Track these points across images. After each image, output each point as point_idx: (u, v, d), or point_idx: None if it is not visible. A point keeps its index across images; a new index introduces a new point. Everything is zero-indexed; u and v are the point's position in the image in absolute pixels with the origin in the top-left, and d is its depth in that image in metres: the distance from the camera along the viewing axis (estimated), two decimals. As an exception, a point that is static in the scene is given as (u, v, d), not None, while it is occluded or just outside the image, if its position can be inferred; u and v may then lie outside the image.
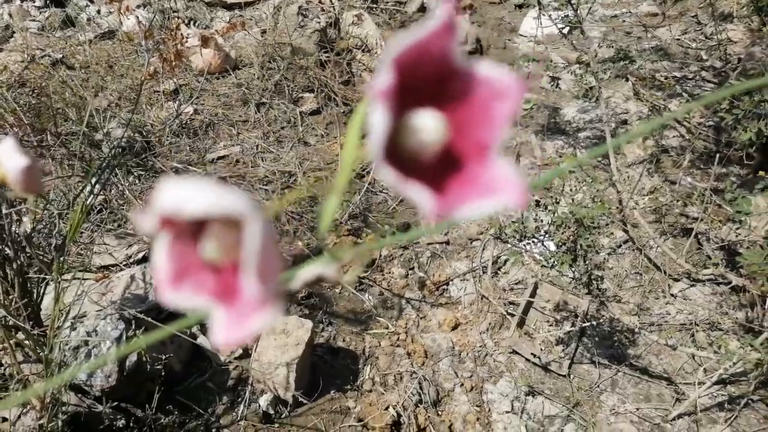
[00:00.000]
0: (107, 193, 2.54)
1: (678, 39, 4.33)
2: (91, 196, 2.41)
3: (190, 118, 3.13)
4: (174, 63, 2.27)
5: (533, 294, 2.40)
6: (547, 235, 1.78)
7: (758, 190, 2.71)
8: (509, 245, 2.11)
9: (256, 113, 3.27)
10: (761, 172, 1.98)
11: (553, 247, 1.88)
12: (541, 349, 2.24)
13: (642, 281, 2.55)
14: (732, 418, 2.05)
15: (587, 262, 1.71)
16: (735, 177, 3.00)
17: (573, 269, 1.75)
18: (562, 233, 1.69)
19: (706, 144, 3.25)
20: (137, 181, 2.70)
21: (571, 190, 1.74)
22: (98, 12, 4.09)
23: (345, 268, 2.48)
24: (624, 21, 4.83)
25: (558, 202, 1.73)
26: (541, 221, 1.79)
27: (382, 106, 0.26)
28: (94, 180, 2.41)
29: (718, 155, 2.69)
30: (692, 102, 3.54)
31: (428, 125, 0.29)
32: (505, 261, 2.39)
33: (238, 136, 3.10)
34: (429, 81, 0.30)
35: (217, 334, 0.26)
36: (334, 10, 4.05)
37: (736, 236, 2.43)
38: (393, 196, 2.98)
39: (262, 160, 2.99)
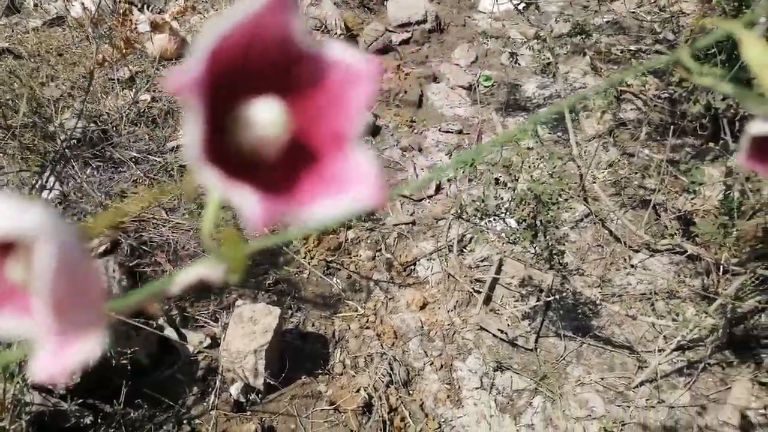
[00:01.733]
0: (64, 186, 2.47)
1: (633, 12, 4.38)
2: (47, 190, 2.34)
3: (148, 106, 3.05)
4: (125, 51, 2.20)
5: (498, 271, 2.44)
6: (507, 213, 1.81)
7: (708, 161, 2.79)
8: (471, 224, 2.13)
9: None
10: (711, 143, 2.04)
11: (514, 224, 1.92)
12: (508, 325, 2.29)
13: (603, 253, 2.62)
14: (691, 383, 2.14)
15: (548, 238, 1.74)
16: (690, 148, 3.07)
17: (534, 245, 1.78)
18: (523, 210, 1.72)
19: (661, 116, 3.32)
20: (95, 173, 2.64)
21: (530, 166, 1.77)
22: (35, 6, 3.93)
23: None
24: (581, -5, 4.86)
25: (517, 179, 1.76)
26: (502, 198, 1.82)
27: (193, 101, 0.23)
28: (48, 174, 2.35)
29: (672, 127, 2.76)
30: (645, 75, 3.61)
31: (264, 117, 0.26)
32: (471, 239, 2.43)
33: (197, 123, 3.04)
34: (269, 67, 0.26)
35: (35, 368, 0.22)
36: (292, -10, 3.98)
37: (692, 206, 2.51)
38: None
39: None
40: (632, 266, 2.53)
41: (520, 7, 2.99)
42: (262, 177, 0.26)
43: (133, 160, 2.66)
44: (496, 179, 1.78)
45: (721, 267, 1.98)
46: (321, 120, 0.28)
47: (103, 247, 2.26)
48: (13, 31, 3.56)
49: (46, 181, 2.31)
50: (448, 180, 2.94)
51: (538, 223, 1.70)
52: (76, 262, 0.22)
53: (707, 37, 0.44)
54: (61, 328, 0.22)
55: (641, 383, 2.14)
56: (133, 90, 3.05)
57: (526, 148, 1.78)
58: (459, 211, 1.94)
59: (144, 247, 2.34)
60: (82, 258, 0.22)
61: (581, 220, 2.77)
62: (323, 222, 0.25)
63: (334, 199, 0.26)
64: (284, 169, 0.27)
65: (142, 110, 3.00)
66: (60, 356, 0.22)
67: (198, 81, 0.23)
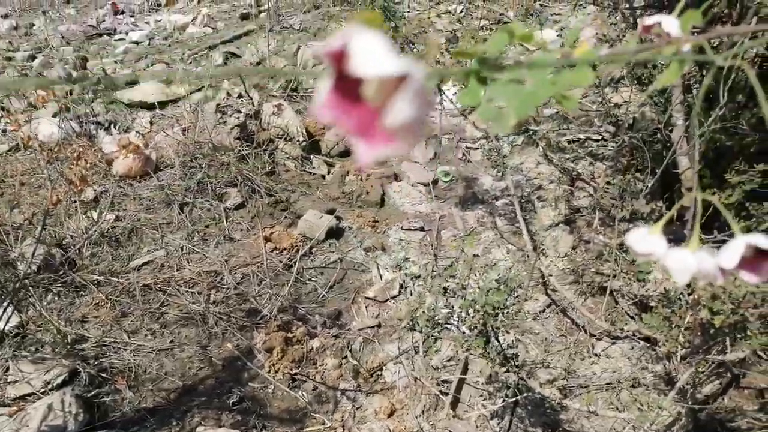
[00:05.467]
0: (23, 315, 2.46)
1: (579, 102, 4.66)
2: (3, 322, 2.32)
3: (112, 226, 3.10)
4: (80, 188, 2.27)
5: (464, 370, 2.43)
6: (459, 321, 1.84)
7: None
8: (424, 334, 2.16)
9: (179, 214, 3.28)
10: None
11: (467, 331, 1.95)
12: (477, 426, 2.26)
13: (567, 343, 2.64)
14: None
15: (501, 343, 1.77)
16: (652, 217, 3.19)
17: (487, 351, 1.81)
18: (473, 317, 1.76)
19: (613, 201, 3.46)
20: (56, 298, 2.63)
21: (476, 275, 1.83)
22: (3, 132, 4.05)
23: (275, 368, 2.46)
24: (530, 89, 5.16)
25: (465, 288, 1.81)
26: (452, 307, 1.86)
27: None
28: (6, 304, 2.34)
29: (622, 211, 2.88)
30: (597, 163, 3.79)
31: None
32: (435, 339, 2.44)
33: (162, 240, 3.09)
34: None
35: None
36: (253, 104, 4.17)
37: (646, 291, 2.57)
38: (323, 284, 3.01)
39: (188, 262, 2.97)
40: (596, 355, 2.55)
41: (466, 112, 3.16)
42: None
43: (95, 282, 2.67)
44: (445, 288, 1.82)
45: (678, 353, 2.01)
46: None
47: (60, 378, 2.22)
48: (-21, 158, 3.64)
49: (3, 312, 2.30)
50: (413, 279, 2.99)
51: (489, 329, 1.73)
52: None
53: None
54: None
55: (615, 479, 2.10)
56: (98, 210, 3.10)
57: (472, 255, 1.84)
58: (411, 323, 1.97)
59: (103, 375, 2.31)
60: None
61: (543, 310, 2.81)
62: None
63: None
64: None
65: (105, 230, 3.04)
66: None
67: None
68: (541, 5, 6.66)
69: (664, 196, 2.89)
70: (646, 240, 0.53)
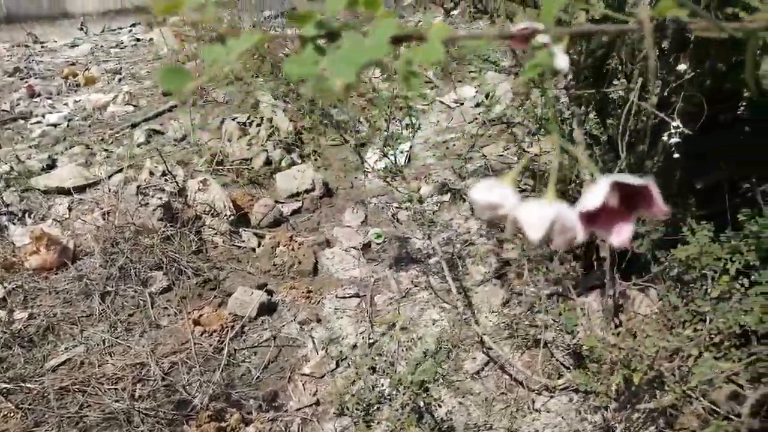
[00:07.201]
0: None
1: (501, 155, 4.83)
2: None
3: (24, 325, 2.90)
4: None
5: (407, 443, 2.36)
6: (389, 400, 1.79)
7: (584, 289, 2.96)
8: (353, 420, 2.09)
9: (100, 304, 3.12)
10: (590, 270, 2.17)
11: (400, 408, 1.90)
12: (424, 503, 2.18)
13: (508, 401, 2.62)
14: None
15: (435, 416, 1.73)
16: (570, 279, 3.26)
17: (421, 427, 1.77)
18: (404, 394, 1.72)
19: (541, 251, 3.54)
20: (-39, 414, 2.41)
21: (404, 349, 1.80)
22: None
23: None
24: (454, 144, 5.32)
25: (393, 365, 1.77)
26: (382, 385, 1.81)
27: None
28: None
29: (553, 260, 2.94)
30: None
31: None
32: (367, 424, 2.37)
33: (81, 334, 2.91)
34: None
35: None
36: (177, 182, 4.09)
37: (578, 340, 2.61)
38: (256, 364, 2.89)
39: (110, 356, 2.81)
40: (537, 410, 2.54)
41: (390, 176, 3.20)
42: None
43: (4, 391, 2.47)
44: (373, 368, 1.78)
45: (610, 405, 2.02)
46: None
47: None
48: None
49: None
50: (350, 349, 2.92)
51: (421, 404, 1.69)
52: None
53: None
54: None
55: None
56: (7, 310, 2.91)
57: (400, 328, 1.82)
58: (340, 409, 1.91)
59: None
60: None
61: (482, 368, 2.79)
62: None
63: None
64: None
65: (16, 331, 2.84)
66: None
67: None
68: (457, 64, 6.95)
69: (583, 246, 2.97)
70: (493, 190, 0.47)
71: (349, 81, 0.42)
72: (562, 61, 0.55)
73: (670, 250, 1.98)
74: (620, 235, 0.46)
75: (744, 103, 2.61)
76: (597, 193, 0.43)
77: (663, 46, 2.48)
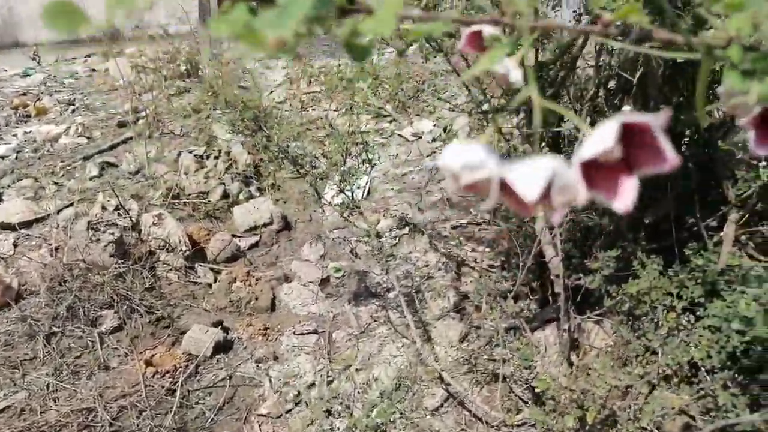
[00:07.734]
0: None
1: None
2: None
3: (-38, 370, 2.75)
4: None
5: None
6: (346, 443, 1.77)
7: (541, 322, 3.00)
8: None
9: (45, 346, 2.98)
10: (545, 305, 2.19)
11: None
12: None
13: (468, 438, 2.61)
14: None
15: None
16: (528, 311, 3.30)
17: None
18: (360, 437, 1.69)
19: (497, 285, 3.57)
20: None
21: (359, 392, 1.77)
22: None
23: None
24: (413, 178, 5.37)
25: (349, 407, 1.75)
26: (338, 429, 1.78)
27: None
28: None
29: (508, 295, 2.96)
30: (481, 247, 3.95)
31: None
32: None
33: (23, 379, 2.77)
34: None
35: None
36: (131, 217, 3.99)
37: (536, 375, 2.62)
38: (211, 406, 2.80)
39: (55, 402, 2.68)
40: (497, 447, 2.53)
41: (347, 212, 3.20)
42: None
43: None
44: (328, 411, 1.75)
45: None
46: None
47: None
48: None
49: None
50: (307, 387, 2.86)
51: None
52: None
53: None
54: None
55: None
56: (-56, 355, 2.75)
57: (355, 369, 1.79)
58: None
59: None
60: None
61: (441, 405, 2.77)
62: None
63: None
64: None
65: (-47, 378, 2.69)
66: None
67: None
68: (416, 98, 7.07)
69: (539, 280, 3.02)
70: (467, 151, 0.40)
71: (284, 33, 0.38)
72: (515, 75, 0.57)
73: (621, 285, 2.02)
74: (623, 196, 0.40)
75: (686, 141, 2.72)
76: (606, 135, 0.36)
77: (609, 86, 2.59)
